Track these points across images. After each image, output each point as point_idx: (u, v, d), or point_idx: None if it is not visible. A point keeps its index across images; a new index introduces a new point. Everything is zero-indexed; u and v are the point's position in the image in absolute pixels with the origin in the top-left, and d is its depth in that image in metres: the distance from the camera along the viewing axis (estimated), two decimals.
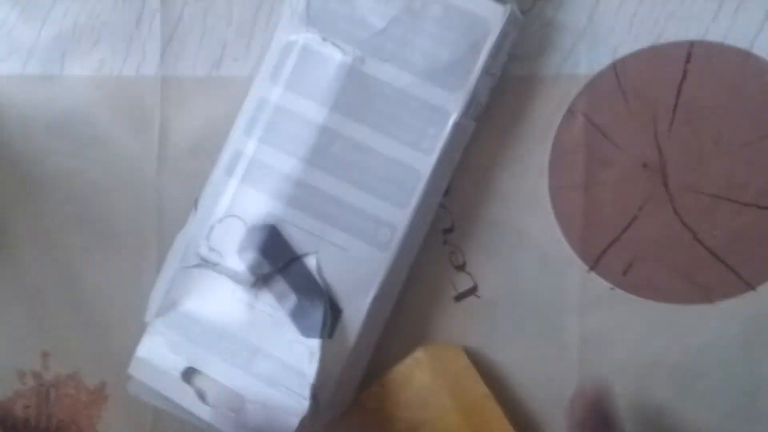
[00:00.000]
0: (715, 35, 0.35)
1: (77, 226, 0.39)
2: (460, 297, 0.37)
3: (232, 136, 0.36)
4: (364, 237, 0.34)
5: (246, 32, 0.38)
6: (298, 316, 0.34)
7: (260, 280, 0.34)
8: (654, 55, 0.35)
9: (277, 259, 0.34)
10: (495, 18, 0.33)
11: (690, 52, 0.35)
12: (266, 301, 0.35)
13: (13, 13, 0.40)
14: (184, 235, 0.36)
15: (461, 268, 0.37)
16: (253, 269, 0.34)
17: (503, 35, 0.34)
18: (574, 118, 0.36)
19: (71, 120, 0.39)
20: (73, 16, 0.39)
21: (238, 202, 0.35)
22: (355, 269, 0.34)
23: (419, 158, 0.34)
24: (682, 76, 0.35)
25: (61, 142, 0.39)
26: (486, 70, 0.34)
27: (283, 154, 0.34)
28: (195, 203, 0.36)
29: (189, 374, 0.35)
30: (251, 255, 0.34)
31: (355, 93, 0.34)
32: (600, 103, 0.36)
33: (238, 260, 0.34)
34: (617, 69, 0.35)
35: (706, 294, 0.35)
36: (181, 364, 0.35)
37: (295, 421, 0.33)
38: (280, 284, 0.34)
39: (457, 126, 0.34)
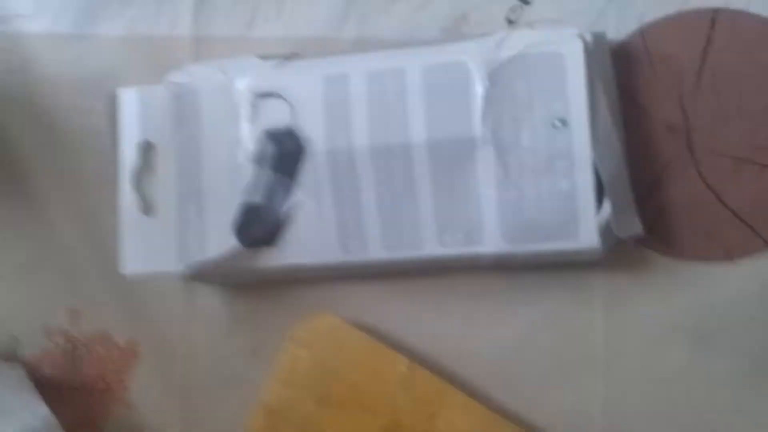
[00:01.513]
0: (738, 3, 0.36)
1: (106, 183, 0.39)
2: None
3: (346, 58, 0.36)
4: (340, 226, 0.36)
5: None
6: (248, 214, 0.36)
7: (255, 160, 0.36)
8: (680, 22, 0.36)
9: (284, 165, 0.36)
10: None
11: (714, 18, 0.36)
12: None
13: None
14: (248, 61, 0.37)
15: None
16: (259, 153, 0.36)
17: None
18: None
19: (101, 79, 0.40)
20: None
21: (302, 94, 0.36)
22: (311, 233, 0.36)
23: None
24: (706, 42, 0.36)
25: (90, 100, 0.40)
26: None
27: (369, 119, 0.36)
28: (289, 57, 0.37)
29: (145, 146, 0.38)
30: (269, 146, 0.36)
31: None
32: (626, 67, 0.37)
33: (253, 130, 0.36)
34: (644, 34, 0.37)
35: (727, 253, 0.36)
36: (144, 135, 0.38)
37: None
38: (262, 177, 0.36)
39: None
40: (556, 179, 0.34)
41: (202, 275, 0.37)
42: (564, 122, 0.34)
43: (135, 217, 0.38)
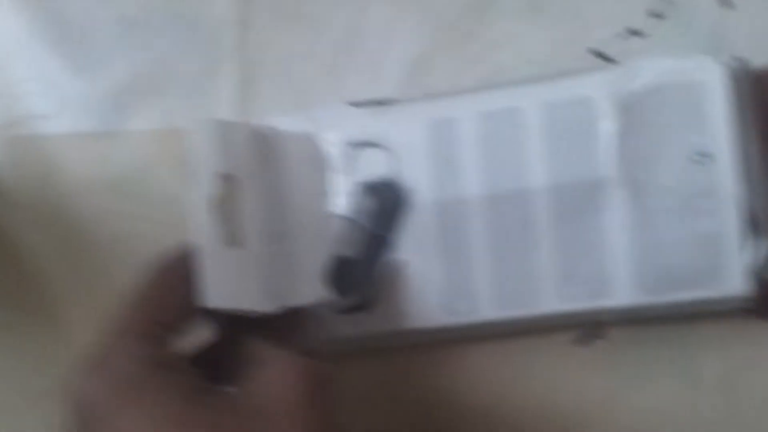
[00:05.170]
0: None
1: None
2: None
3: (452, 101, 0.33)
4: (446, 286, 0.32)
5: (331, 74, 0.35)
6: (342, 267, 0.33)
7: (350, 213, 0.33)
8: None
9: (383, 219, 0.33)
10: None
11: None
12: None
13: (62, 66, 0.36)
14: (337, 109, 0.34)
15: None
16: (354, 206, 0.33)
17: None
18: None
19: (133, 179, 0.35)
20: (134, 67, 0.36)
21: (403, 142, 0.33)
22: (413, 294, 0.33)
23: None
24: None
25: (122, 203, 0.35)
26: None
27: (482, 165, 0.32)
28: (385, 102, 0.33)
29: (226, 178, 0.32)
30: (367, 199, 0.33)
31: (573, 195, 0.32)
32: None
33: (352, 180, 0.33)
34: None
35: None
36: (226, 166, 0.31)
37: None
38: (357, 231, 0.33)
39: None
40: (697, 220, 0.31)
41: None
42: (707, 156, 0.31)
43: (218, 250, 0.31)
